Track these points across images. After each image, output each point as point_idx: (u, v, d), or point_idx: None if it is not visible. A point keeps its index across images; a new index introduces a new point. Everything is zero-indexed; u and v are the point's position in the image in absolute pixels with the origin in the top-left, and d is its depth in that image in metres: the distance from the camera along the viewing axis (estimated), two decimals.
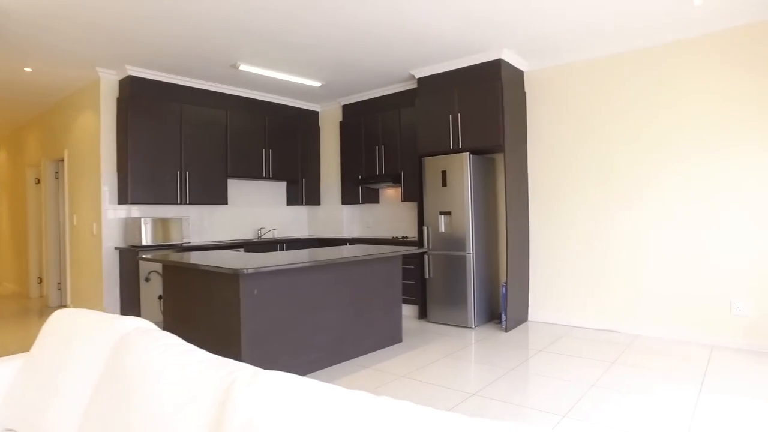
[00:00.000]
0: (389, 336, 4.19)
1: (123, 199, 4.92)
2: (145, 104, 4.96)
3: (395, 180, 5.62)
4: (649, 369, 3.43)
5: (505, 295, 4.51)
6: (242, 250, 5.44)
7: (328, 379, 3.35)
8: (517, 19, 3.85)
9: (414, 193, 5.42)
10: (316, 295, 3.57)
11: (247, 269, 2.87)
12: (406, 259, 5.28)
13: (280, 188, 6.62)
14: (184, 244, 5.16)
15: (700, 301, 4.05)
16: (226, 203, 5.67)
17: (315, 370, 3.52)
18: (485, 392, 3.07)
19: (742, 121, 3.89)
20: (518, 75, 4.88)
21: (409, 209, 5.85)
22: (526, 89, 4.98)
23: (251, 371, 1.17)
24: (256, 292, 3.17)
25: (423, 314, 5.15)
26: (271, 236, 6.36)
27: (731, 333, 3.91)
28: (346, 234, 6.41)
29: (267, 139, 6.06)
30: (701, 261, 4.05)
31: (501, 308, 4.68)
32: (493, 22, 3.91)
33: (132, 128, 4.86)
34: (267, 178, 6.05)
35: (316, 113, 6.81)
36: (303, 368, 3.44)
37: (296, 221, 6.85)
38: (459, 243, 4.71)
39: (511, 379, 3.29)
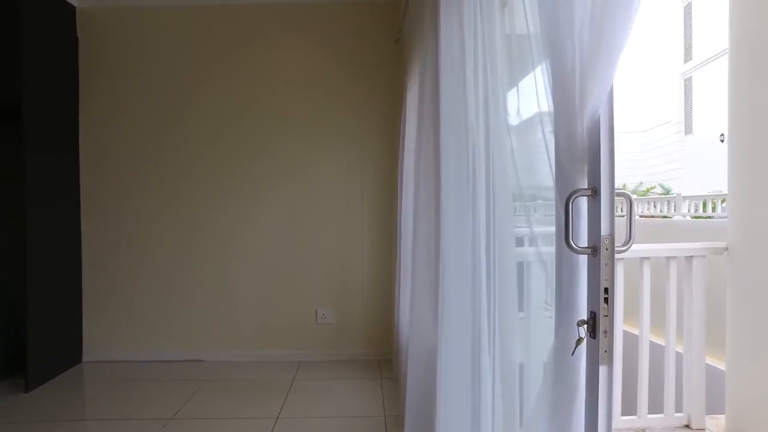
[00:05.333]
0: None
1: None
2: None
3: None
4: (214, 420, 2.57)
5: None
6: None
7: None
8: None
9: None
10: None
11: None
12: None
13: None
14: None
15: (291, 315, 3.57)
16: None
17: None
18: None
19: (322, 119, 3.52)
20: (63, 9, 3.35)
21: None
22: (80, 35, 3.50)
23: None
24: None
25: None
26: None
27: (318, 343, 3.57)
28: None
29: None
30: (291, 274, 3.56)
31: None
32: None
33: None
34: None
35: None
36: None
37: None
38: None
39: None
